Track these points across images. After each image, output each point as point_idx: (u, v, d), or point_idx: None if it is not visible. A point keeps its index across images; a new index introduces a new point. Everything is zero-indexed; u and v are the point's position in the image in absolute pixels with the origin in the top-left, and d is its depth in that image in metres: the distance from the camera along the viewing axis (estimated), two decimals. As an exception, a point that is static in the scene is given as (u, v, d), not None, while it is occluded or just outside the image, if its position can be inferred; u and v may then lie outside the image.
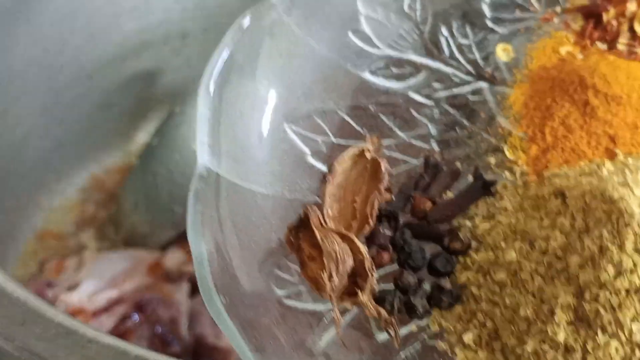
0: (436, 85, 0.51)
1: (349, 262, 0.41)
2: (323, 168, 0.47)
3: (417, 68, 0.51)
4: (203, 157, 0.43)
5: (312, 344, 0.42)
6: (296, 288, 0.43)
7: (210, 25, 0.89)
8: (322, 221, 0.42)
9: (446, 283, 0.43)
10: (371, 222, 0.43)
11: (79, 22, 0.81)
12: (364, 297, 0.41)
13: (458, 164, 0.48)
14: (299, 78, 0.48)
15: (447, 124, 0.50)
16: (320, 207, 0.43)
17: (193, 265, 0.75)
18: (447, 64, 0.52)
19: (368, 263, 0.41)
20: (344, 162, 0.44)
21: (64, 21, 0.80)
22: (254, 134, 0.46)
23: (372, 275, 0.41)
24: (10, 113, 0.79)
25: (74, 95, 0.84)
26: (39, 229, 0.83)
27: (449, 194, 0.46)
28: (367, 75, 0.50)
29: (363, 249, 0.42)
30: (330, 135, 0.48)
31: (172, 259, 0.77)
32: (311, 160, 0.47)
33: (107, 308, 0.71)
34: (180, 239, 0.78)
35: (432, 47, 0.52)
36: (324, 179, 0.44)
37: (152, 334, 0.71)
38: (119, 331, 0.70)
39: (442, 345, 0.43)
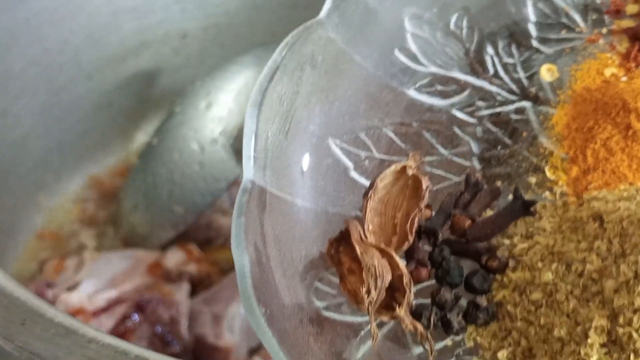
0: (480, 103, 0.51)
1: (388, 277, 0.42)
2: (365, 183, 0.47)
3: (461, 86, 0.52)
4: (249, 171, 0.43)
5: (349, 355, 0.43)
6: (335, 300, 0.44)
7: (210, 25, 0.89)
8: (363, 236, 0.43)
9: (482, 300, 0.43)
10: (410, 239, 0.44)
11: (78, 22, 0.81)
12: (402, 311, 0.42)
13: (499, 183, 0.48)
14: (344, 95, 0.49)
15: (489, 142, 0.50)
16: (361, 221, 0.44)
17: (192, 264, 0.75)
18: (491, 82, 0.52)
19: (406, 279, 0.42)
20: (385, 178, 0.45)
21: (64, 21, 0.80)
22: (298, 148, 0.46)
23: (409, 290, 0.42)
24: (10, 113, 0.79)
25: (73, 95, 0.84)
26: (39, 229, 0.83)
27: (489, 213, 0.47)
28: (412, 93, 0.51)
29: (402, 264, 0.42)
30: (374, 151, 0.49)
31: (172, 259, 0.77)
32: (354, 175, 0.48)
33: (107, 308, 0.71)
34: (180, 239, 0.78)
35: (477, 66, 0.52)
36: (365, 194, 0.44)
37: (152, 334, 0.71)
38: (119, 331, 0.70)
39: None
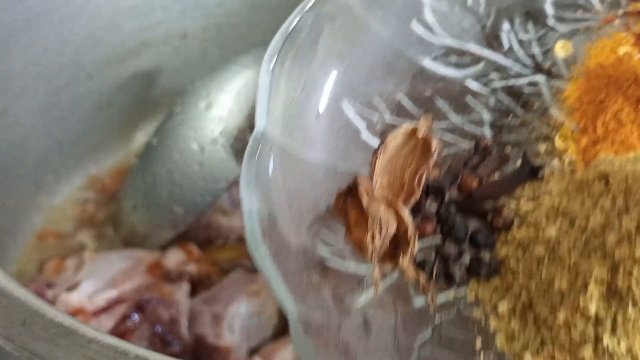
0: (494, 75, 0.53)
1: (392, 227, 0.43)
2: (377, 144, 0.48)
3: (476, 58, 0.53)
4: (261, 122, 0.44)
5: (351, 302, 0.44)
6: (340, 250, 0.45)
7: (210, 25, 0.89)
8: (370, 190, 0.44)
9: (485, 255, 0.45)
10: (417, 194, 0.45)
11: (78, 22, 0.81)
12: (405, 261, 0.43)
13: (509, 149, 0.50)
14: (360, 61, 0.50)
15: (502, 111, 0.52)
16: (369, 177, 0.45)
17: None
18: (506, 56, 0.53)
19: (411, 230, 0.43)
20: (396, 139, 0.47)
21: (64, 21, 0.80)
22: (312, 107, 0.48)
23: (413, 241, 0.43)
24: (10, 113, 0.79)
25: (73, 95, 0.84)
26: (39, 229, 0.83)
27: (496, 177, 0.48)
28: (427, 62, 0.52)
29: (407, 217, 0.44)
30: (386, 115, 0.50)
31: (172, 259, 0.77)
32: (366, 137, 0.49)
33: (107, 308, 0.71)
34: (180, 239, 0.78)
35: (492, 40, 0.54)
36: (375, 151, 0.46)
37: (152, 334, 0.71)
38: (119, 331, 0.70)
39: (477, 313, 0.44)
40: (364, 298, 0.44)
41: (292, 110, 0.46)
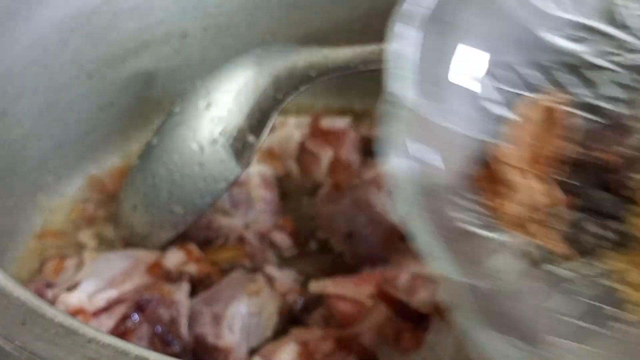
0: (617, 52, 0.55)
1: (527, 194, 0.45)
2: (507, 115, 0.51)
3: (601, 34, 0.55)
4: (395, 87, 0.48)
5: (480, 262, 0.46)
6: (473, 215, 0.47)
7: (210, 25, 0.89)
8: (507, 160, 0.47)
9: (617, 225, 0.47)
10: (552, 167, 0.47)
11: (78, 22, 0.81)
12: (537, 228, 0.45)
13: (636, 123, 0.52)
14: (488, 34, 0.53)
15: (627, 87, 0.54)
16: (506, 148, 0.48)
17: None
18: (632, 35, 0.55)
19: (546, 199, 0.46)
20: (529, 111, 0.49)
21: (64, 21, 0.80)
22: (443, 77, 0.51)
23: (547, 210, 0.46)
24: (10, 113, 0.79)
25: (73, 95, 0.84)
26: (39, 229, 0.83)
27: (627, 150, 0.50)
28: (549, 36, 0.55)
29: (542, 185, 0.46)
30: (515, 87, 0.53)
31: (172, 258, 0.77)
32: (495, 107, 0.51)
33: (107, 308, 0.71)
34: (180, 239, 0.78)
35: (618, 18, 0.56)
36: (509, 123, 0.48)
37: (152, 334, 0.71)
38: (119, 331, 0.70)
39: (607, 282, 0.46)
40: (493, 260, 0.46)
41: (427, 77, 0.49)
